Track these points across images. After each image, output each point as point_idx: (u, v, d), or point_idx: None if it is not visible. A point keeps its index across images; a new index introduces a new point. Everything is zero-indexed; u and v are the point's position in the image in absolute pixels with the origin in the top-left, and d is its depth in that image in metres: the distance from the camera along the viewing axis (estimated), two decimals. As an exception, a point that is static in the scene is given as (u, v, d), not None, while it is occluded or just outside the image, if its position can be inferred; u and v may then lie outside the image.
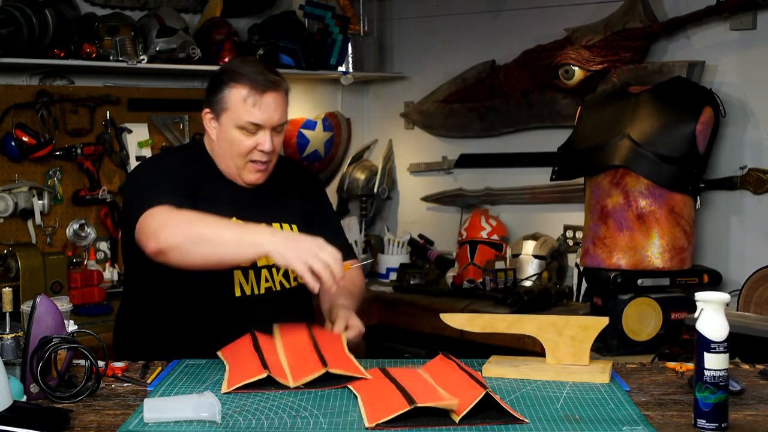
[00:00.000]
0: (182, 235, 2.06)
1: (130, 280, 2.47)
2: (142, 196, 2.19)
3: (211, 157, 2.38)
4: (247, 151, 2.29)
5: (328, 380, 1.91)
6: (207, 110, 2.34)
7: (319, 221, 2.47)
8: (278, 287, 2.34)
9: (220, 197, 2.33)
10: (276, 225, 2.35)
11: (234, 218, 2.24)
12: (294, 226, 2.38)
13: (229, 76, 2.30)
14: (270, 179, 2.38)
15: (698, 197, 3.35)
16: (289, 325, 2.21)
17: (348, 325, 2.22)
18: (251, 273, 2.30)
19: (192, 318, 2.28)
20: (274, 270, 2.33)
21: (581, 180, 3.57)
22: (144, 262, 2.16)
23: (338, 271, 1.98)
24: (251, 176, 2.33)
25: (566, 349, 2.01)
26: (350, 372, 1.93)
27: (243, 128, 2.27)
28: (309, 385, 1.90)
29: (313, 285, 1.99)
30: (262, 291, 2.32)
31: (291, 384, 1.89)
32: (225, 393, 1.87)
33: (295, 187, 2.48)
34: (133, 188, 2.32)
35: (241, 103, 2.26)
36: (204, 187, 2.32)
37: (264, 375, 1.89)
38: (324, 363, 1.94)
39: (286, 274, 2.36)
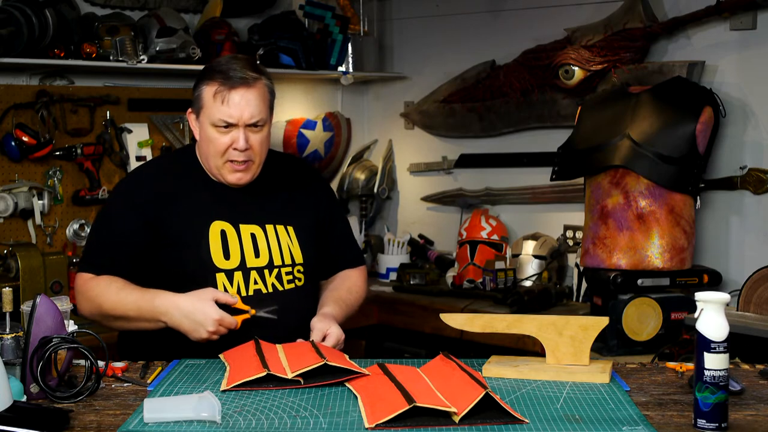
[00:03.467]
0: (89, 310, 2.28)
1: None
2: (88, 246, 2.40)
3: (198, 159, 2.38)
4: (223, 149, 2.27)
5: (327, 374, 1.91)
6: (190, 110, 2.35)
7: (332, 230, 2.50)
8: (270, 289, 2.33)
9: (203, 199, 2.33)
10: (270, 227, 2.34)
11: (216, 221, 2.30)
12: (290, 228, 2.37)
13: (205, 73, 2.30)
14: (263, 179, 2.36)
15: (698, 197, 3.34)
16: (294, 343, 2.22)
17: (326, 334, 2.22)
18: (238, 275, 2.30)
19: None
20: (266, 272, 2.32)
21: (581, 180, 3.57)
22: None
23: (229, 323, 2.16)
24: (231, 176, 2.30)
25: (566, 349, 2.01)
26: (348, 366, 1.93)
27: (216, 126, 2.26)
28: (308, 381, 1.90)
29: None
30: (251, 292, 2.31)
31: (289, 375, 1.89)
32: (224, 391, 1.87)
33: (295, 186, 2.45)
34: (96, 221, 2.45)
35: (212, 100, 2.25)
36: (186, 191, 2.33)
37: (264, 373, 1.89)
38: (322, 357, 1.95)
39: (279, 276, 2.34)
